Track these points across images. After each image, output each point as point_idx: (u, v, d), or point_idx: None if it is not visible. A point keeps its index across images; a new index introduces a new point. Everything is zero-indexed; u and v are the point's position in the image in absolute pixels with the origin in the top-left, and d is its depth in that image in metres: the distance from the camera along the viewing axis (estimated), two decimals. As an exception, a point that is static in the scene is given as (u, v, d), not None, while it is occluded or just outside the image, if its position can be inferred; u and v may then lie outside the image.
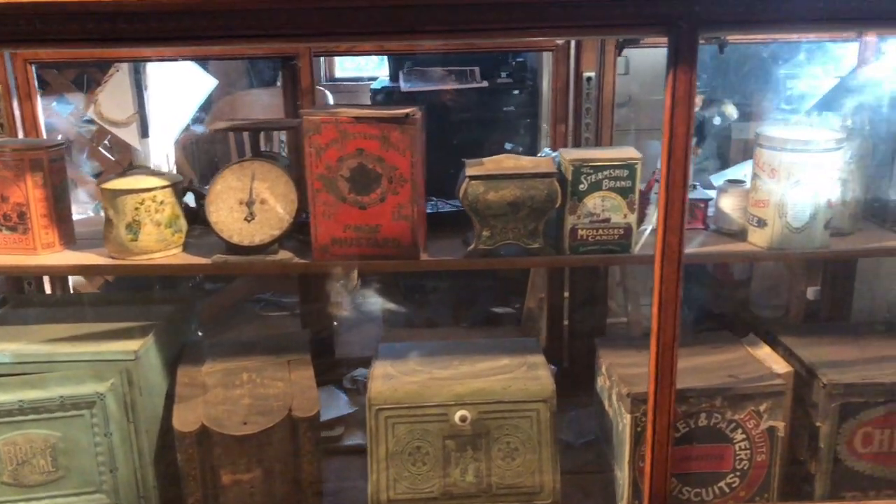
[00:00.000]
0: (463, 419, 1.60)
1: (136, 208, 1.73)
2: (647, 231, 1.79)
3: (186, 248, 1.82)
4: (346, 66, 4.91)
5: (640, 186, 1.72)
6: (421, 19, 1.24)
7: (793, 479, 1.69)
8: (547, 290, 2.41)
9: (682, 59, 1.33)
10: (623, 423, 1.62)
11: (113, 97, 2.93)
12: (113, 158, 3.24)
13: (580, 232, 1.73)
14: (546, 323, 2.42)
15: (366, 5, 1.24)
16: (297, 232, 1.80)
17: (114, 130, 2.97)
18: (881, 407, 1.59)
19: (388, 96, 3.65)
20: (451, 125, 3.44)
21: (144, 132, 2.94)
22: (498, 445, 1.62)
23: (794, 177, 1.69)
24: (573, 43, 2.12)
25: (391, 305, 3.30)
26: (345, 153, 1.65)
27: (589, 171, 1.69)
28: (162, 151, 3.05)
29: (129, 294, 2.12)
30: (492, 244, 1.72)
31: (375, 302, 3.64)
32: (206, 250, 1.79)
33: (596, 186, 1.70)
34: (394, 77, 3.80)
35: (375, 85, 3.75)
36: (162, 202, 1.76)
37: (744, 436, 1.60)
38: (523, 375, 1.67)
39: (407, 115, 1.61)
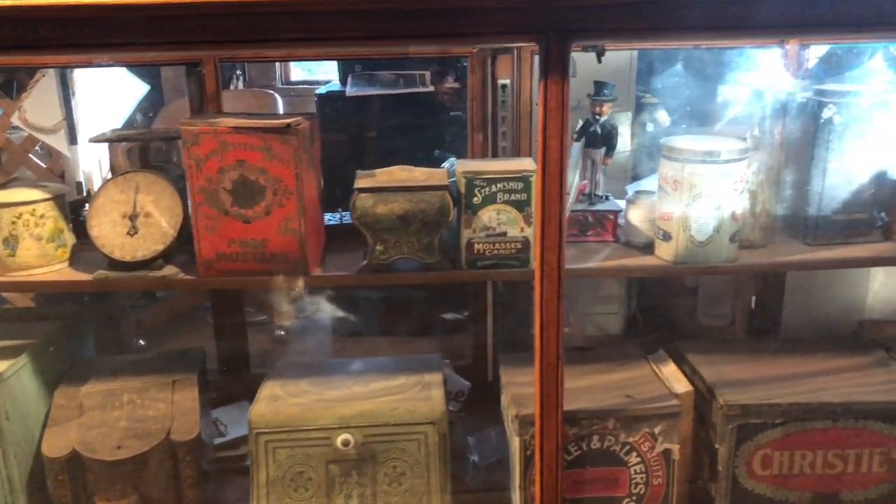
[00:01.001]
0: (345, 443, 1.53)
1: (13, 222, 1.66)
2: (549, 245, 1.73)
3: (74, 262, 1.75)
4: (301, 71, 4.85)
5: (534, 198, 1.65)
6: (246, 28, 1.18)
7: (693, 503, 1.63)
8: (471, 302, 2.35)
9: (553, 68, 1.27)
10: (514, 445, 1.55)
11: (39, 103, 2.85)
12: (45, 165, 3.17)
13: (476, 246, 1.66)
14: (470, 337, 2.36)
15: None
16: (189, 245, 1.73)
17: (41, 137, 2.89)
18: (779, 428, 1.53)
19: (332, 101, 3.59)
20: (391, 130, 3.38)
21: (73, 139, 2.86)
22: (384, 470, 1.56)
23: (696, 189, 1.63)
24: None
25: (338, 314, 3.23)
26: (225, 164, 1.58)
27: (482, 183, 1.62)
28: (94, 158, 2.98)
29: (8, 311, 2.05)
30: (386, 259, 1.66)
31: (323, 311, 3.57)
32: (94, 265, 1.72)
33: (490, 199, 1.64)
34: (343, 81, 3.74)
35: (321, 90, 3.68)
36: (42, 216, 1.69)
37: (639, 459, 1.54)
38: (414, 396, 1.60)
39: (288, 125, 1.55)
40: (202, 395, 1.70)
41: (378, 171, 1.67)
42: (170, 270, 1.68)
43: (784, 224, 1.88)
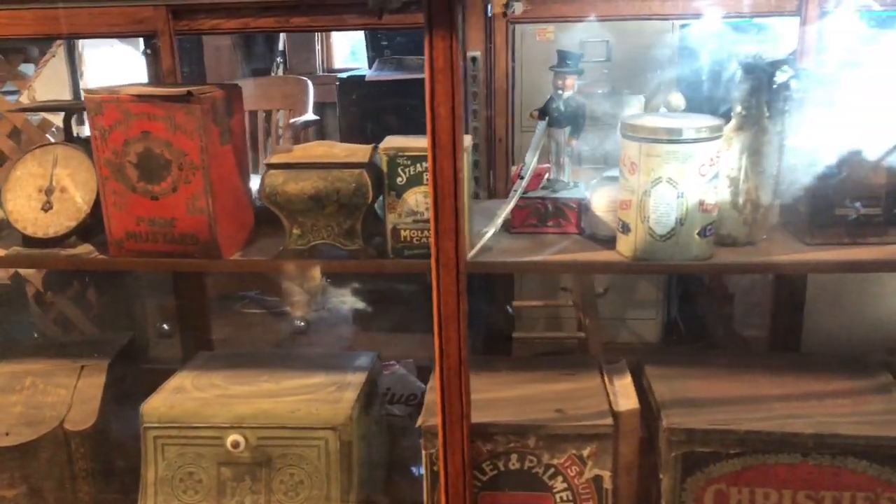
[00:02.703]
0: (235, 445, 1.38)
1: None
2: (489, 234, 1.53)
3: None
4: (344, 59, 4.76)
5: (465, 180, 1.46)
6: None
7: (636, 541, 1.39)
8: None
9: (437, 21, 1.08)
10: (423, 459, 1.37)
11: (48, 83, 2.87)
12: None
13: (403, 233, 1.48)
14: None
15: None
16: (112, 224, 1.63)
17: (50, 118, 2.92)
18: (735, 460, 1.27)
19: (352, 86, 3.47)
20: (408, 114, 3.22)
21: (81, 119, 2.87)
22: (280, 477, 1.40)
23: (655, 173, 1.39)
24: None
25: (359, 306, 3.12)
26: (130, 136, 1.46)
27: (406, 161, 1.44)
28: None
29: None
30: (304, 244, 1.50)
31: (345, 303, 3.47)
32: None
33: (416, 180, 1.45)
34: (371, 66, 3.63)
35: (342, 75, 3.58)
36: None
37: (565, 485, 1.32)
38: (322, 397, 1.44)
39: (189, 93, 1.42)
40: (123, 383, 1.60)
41: (298, 146, 1.51)
42: (84, 249, 1.58)
43: (785, 220, 1.61)
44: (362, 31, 3.91)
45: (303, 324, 3.35)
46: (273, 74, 4.52)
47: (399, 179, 1.45)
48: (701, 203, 1.41)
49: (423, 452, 1.34)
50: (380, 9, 1.15)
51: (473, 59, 1.88)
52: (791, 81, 1.31)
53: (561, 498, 1.33)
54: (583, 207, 1.62)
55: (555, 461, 1.31)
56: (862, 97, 1.35)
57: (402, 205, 1.46)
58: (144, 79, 3.22)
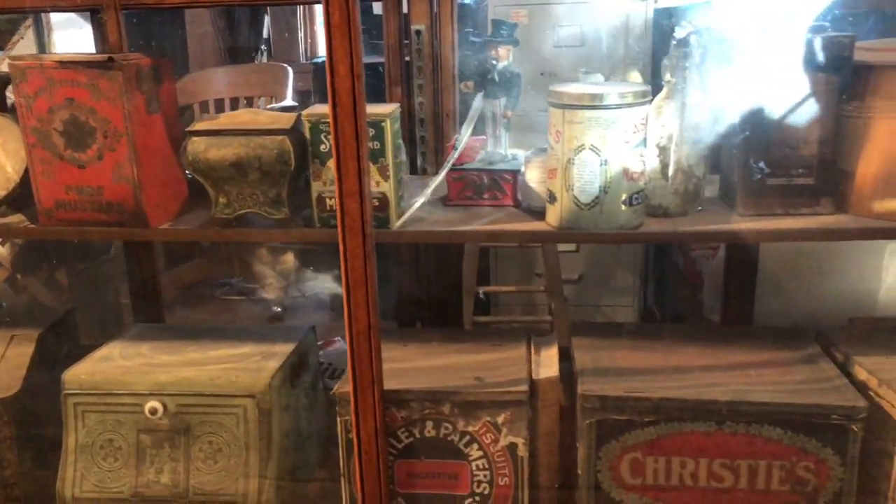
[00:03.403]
0: (153, 411, 1.38)
1: None
2: (417, 204, 1.51)
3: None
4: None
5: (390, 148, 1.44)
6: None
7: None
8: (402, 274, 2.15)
9: (333, -25, 1.07)
10: (339, 427, 1.35)
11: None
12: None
13: (328, 201, 1.47)
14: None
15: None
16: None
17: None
18: (650, 428, 1.26)
19: (323, 70, 3.47)
20: (381, 97, 3.20)
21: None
22: (199, 445, 1.39)
23: (577, 140, 1.37)
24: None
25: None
26: (54, 103, 1.46)
27: (328, 129, 1.42)
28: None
29: None
30: (230, 213, 1.49)
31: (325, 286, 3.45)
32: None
33: (340, 147, 1.44)
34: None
35: (318, 60, 3.57)
36: None
37: (481, 452, 1.31)
38: (244, 367, 1.43)
39: (110, 58, 1.41)
40: (56, 354, 1.60)
41: (225, 114, 1.50)
42: (15, 218, 1.58)
43: (723, 191, 1.59)
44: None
45: (279, 309, 3.35)
46: (257, 61, 4.52)
47: (323, 147, 1.44)
48: (626, 171, 1.39)
49: (338, 420, 1.33)
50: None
51: (418, 33, 1.86)
52: (691, 38, 1.28)
53: (477, 465, 1.32)
54: (518, 179, 1.61)
55: (470, 428, 1.30)
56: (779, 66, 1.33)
57: (327, 173, 1.45)
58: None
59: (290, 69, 3.65)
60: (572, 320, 3.01)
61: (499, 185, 1.61)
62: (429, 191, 1.53)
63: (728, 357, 1.39)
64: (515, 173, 1.60)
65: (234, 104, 3.68)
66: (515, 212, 1.59)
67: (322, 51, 4.81)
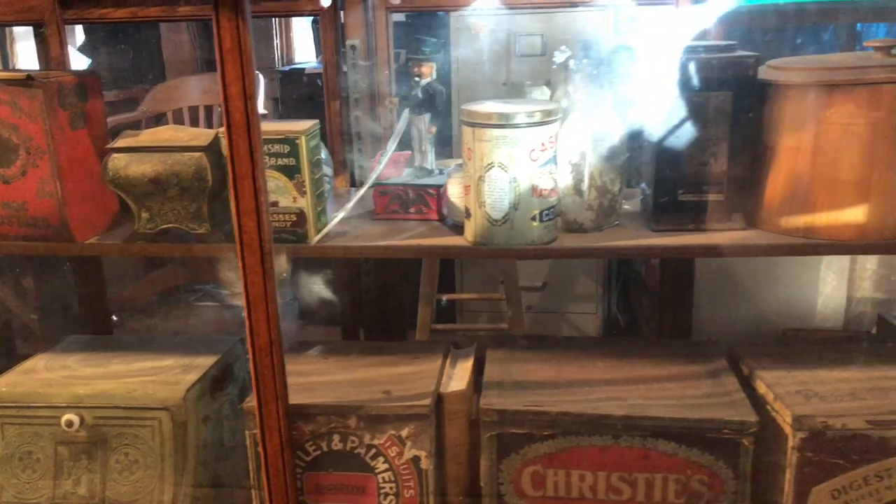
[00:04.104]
0: (69, 424, 1.40)
1: None
2: (336, 219, 1.54)
3: None
4: (305, 53, 4.78)
5: (306, 165, 1.46)
6: None
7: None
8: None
9: (222, 4, 1.09)
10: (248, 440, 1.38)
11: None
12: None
13: (248, 217, 1.49)
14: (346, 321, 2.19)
15: None
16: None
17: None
18: (549, 442, 1.28)
19: (292, 78, 3.50)
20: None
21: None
22: (116, 456, 1.42)
23: (487, 158, 1.40)
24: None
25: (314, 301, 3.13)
26: (-22, 120, 1.49)
27: (245, 145, 1.45)
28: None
29: None
30: (153, 228, 1.52)
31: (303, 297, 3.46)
32: None
33: (256, 164, 1.46)
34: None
35: (283, 68, 3.60)
36: None
37: (386, 465, 1.33)
38: (163, 380, 1.46)
39: (28, 76, 1.43)
40: None
41: (148, 130, 1.53)
42: (-54, 233, 1.61)
43: (643, 207, 1.61)
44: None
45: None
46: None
47: (240, 163, 1.46)
48: (535, 188, 1.42)
49: (247, 433, 1.35)
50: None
51: (353, 47, 1.89)
52: (570, 62, 1.31)
53: (383, 478, 1.34)
54: (442, 194, 1.64)
55: (376, 441, 1.32)
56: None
57: (245, 189, 1.47)
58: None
59: (261, 76, 3.68)
60: (534, 328, 3.04)
61: (424, 199, 1.64)
62: (349, 206, 1.56)
63: (636, 371, 1.42)
64: (439, 188, 1.63)
65: (209, 112, 3.71)
66: (439, 226, 1.62)
67: (298, 57, 4.85)
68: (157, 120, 3.65)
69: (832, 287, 2.20)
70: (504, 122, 1.37)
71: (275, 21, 4.71)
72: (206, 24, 4.52)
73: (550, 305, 3.04)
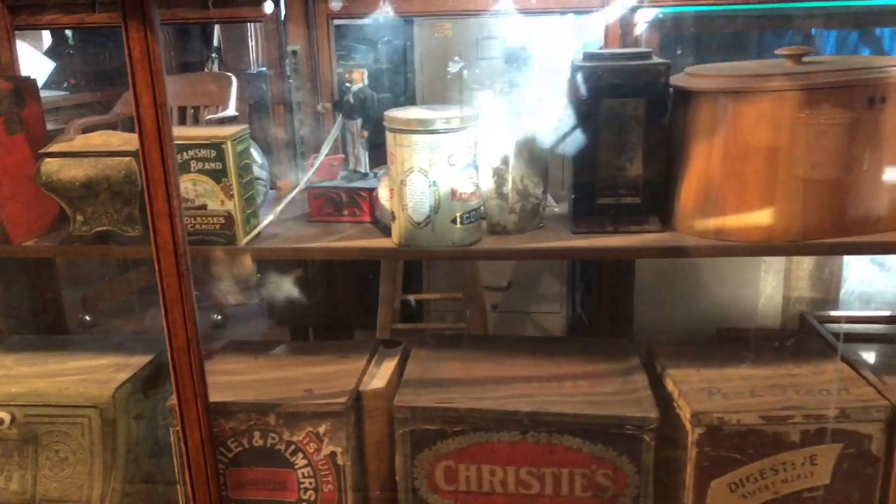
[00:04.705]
0: (0, 422, 1.44)
1: None
2: (267, 220, 1.58)
3: None
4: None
5: (233, 169, 1.51)
6: None
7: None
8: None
9: (131, 14, 1.13)
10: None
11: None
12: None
13: (178, 220, 1.54)
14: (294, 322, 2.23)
15: None
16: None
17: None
18: (459, 437, 1.32)
19: (258, 80, 3.54)
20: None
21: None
22: (46, 453, 1.46)
23: (408, 163, 1.44)
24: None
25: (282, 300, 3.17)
26: (-86, 126, 1.53)
27: (177, 148, 1.49)
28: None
29: None
30: (87, 230, 1.56)
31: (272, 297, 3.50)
32: None
33: (185, 168, 1.50)
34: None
35: (253, 70, 3.64)
36: None
37: (305, 461, 1.38)
38: (95, 378, 1.50)
39: (-40, 83, 1.48)
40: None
41: (82, 136, 1.57)
42: None
43: (570, 211, 1.66)
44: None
45: (219, 317, 3.42)
46: (207, 70, 4.58)
47: (170, 168, 1.50)
48: (454, 192, 1.46)
49: (171, 430, 1.39)
50: (93, 2, 1.20)
51: (294, 52, 1.93)
52: (464, 71, 1.35)
53: (303, 473, 1.38)
54: (375, 197, 1.68)
55: (294, 438, 1.37)
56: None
57: (175, 192, 1.52)
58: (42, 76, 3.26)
59: (233, 78, 3.71)
60: (500, 328, 3.08)
61: (356, 202, 1.68)
62: (278, 209, 1.60)
63: (553, 369, 1.46)
64: (371, 191, 1.67)
65: (182, 113, 3.75)
66: (371, 228, 1.66)
67: (272, 59, 4.86)
68: (133, 122, 3.68)
69: (772, 287, 2.25)
70: (422, 127, 1.42)
71: (250, 26, 4.75)
72: (181, 27, 4.56)
73: (515, 305, 3.08)
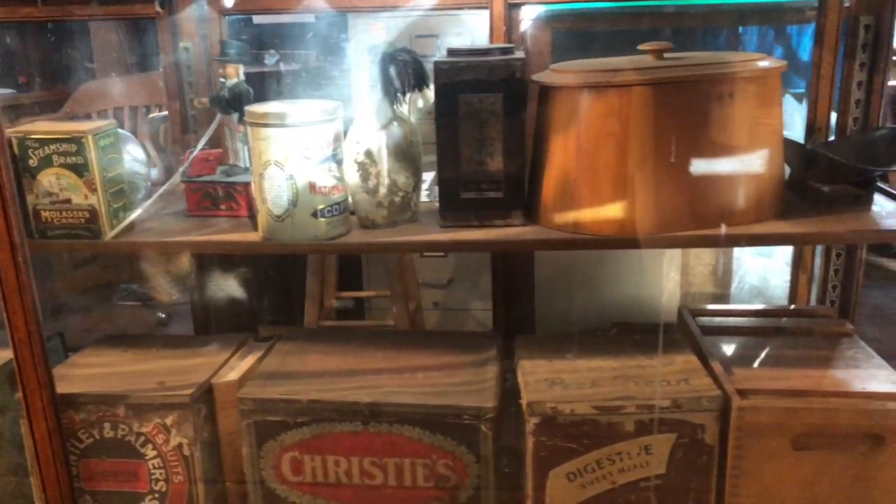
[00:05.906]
0: None
1: None
2: (133, 215, 1.59)
3: None
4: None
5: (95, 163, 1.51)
6: None
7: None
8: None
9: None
10: (30, 429, 1.43)
11: None
12: None
13: (43, 214, 1.54)
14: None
15: None
16: None
17: None
18: (304, 429, 1.33)
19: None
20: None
21: None
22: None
23: (265, 156, 1.45)
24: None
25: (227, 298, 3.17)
26: None
27: (34, 144, 1.50)
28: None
29: None
30: (-45, 224, 1.56)
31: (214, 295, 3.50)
32: None
33: (47, 162, 1.51)
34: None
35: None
36: None
37: (155, 452, 1.38)
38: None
39: None
40: None
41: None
42: None
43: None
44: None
45: (164, 315, 3.42)
46: (160, 70, 4.58)
47: (31, 161, 1.51)
48: (312, 185, 1.47)
49: (21, 423, 1.40)
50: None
51: (186, 49, 1.94)
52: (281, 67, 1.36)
53: (153, 464, 1.39)
54: (250, 191, 1.69)
55: (143, 429, 1.37)
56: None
57: (38, 186, 1.52)
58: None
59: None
60: (439, 324, 3.09)
61: (233, 196, 1.69)
62: (147, 203, 1.61)
63: (409, 360, 1.47)
64: (247, 185, 1.68)
65: (134, 113, 3.75)
66: (247, 222, 1.67)
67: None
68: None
69: (673, 282, 2.27)
70: (277, 121, 1.43)
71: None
72: (135, 25, 4.56)
73: (455, 302, 3.09)
